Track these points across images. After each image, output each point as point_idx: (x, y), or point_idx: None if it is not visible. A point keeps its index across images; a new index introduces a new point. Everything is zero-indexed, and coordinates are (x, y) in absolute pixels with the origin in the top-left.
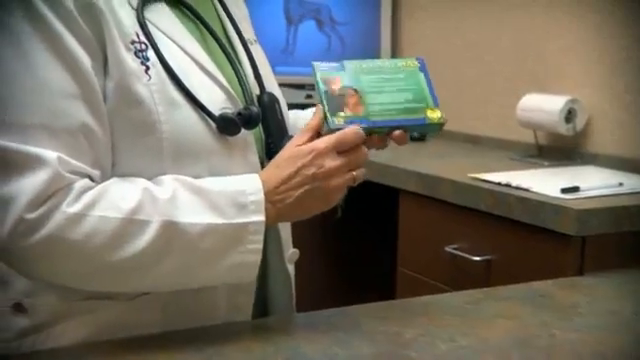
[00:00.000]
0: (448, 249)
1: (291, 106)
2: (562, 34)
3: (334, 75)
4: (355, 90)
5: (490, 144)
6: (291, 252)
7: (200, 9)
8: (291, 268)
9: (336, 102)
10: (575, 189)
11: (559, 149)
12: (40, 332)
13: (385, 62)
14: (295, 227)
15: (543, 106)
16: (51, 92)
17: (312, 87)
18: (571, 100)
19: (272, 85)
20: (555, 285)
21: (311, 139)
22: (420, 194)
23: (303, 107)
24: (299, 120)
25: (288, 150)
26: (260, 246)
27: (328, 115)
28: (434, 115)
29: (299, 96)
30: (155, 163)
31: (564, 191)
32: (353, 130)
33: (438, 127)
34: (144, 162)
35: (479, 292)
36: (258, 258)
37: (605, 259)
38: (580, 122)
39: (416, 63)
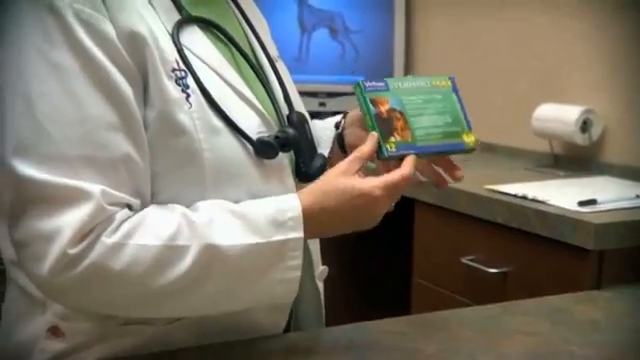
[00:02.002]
0: (464, 260)
1: None
2: (578, 44)
3: (381, 95)
4: (400, 112)
5: (505, 153)
6: (321, 269)
7: (228, 28)
8: (321, 285)
9: (386, 126)
10: (592, 202)
11: (574, 159)
12: (75, 355)
13: (420, 80)
14: None
15: (558, 116)
16: (94, 124)
17: (325, 95)
18: (587, 110)
19: (298, 103)
20: (573, 300)
21: (361, 167)
22: (436, 205)
23: (316, 115)
24: (321, 131)
25: (338, 179)
26: (300, 262)
27: (381, 143)
28: (469, 140)
29: (313, 104)
30: (196, 190)
31: (581, 204)
32: (406, 177)
33: (471, 151)
34: (185, 189)
35: (497, 307)
36: (298, 274)
37: (622, 273)
38: (596, 132)
39: (449, 82)
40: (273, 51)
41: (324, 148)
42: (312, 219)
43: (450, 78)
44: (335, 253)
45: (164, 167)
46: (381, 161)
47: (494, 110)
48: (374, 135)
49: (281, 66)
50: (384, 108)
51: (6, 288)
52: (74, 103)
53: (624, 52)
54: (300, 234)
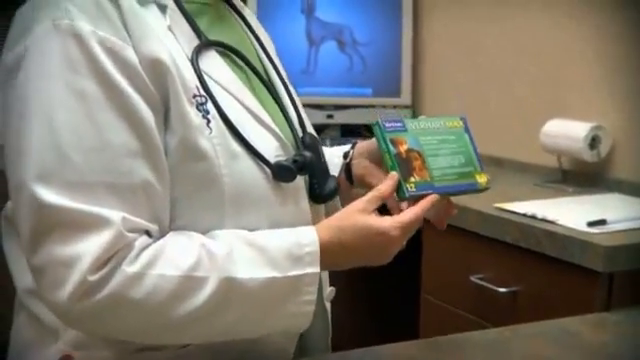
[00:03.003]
0: (473, 279)
1: (312, 126)
2: (589, 59)
3: (400, 136)
4: (418, 153)
5: (514, 167)
6: (329, 291)
7: (242, 49)
8: (328, 306)
9: (405, 166)
10: (602, 222)
11: (583, 174)
12: None
13: (435, 121)
14: None
15: (567, 132)
16: (115, 151)
17: (332, 107)
18: (596, 127)
19: (309, 124)
20: (583, 322)
21: (379, 206)
22: None
23: (324, 127)
24: (330, 157)
25: (356, 216)
26: (314, 297)
27: (402, 183)
28: (482, 180)
29: (320, 116)
30: (215, 214)
31: (590, 224)
32: (421, 216)
33: (483, 191)
34: (204, 213)
35: (507, 330)
36: (312, 308)
37: (632, 295)
38: (604, 148)
39: (461, 123)
40: (283, 72)
41: (333, 172)
42: (328, 254)
43: (462, 118)
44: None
45: (184, 192)
46: (400, 201)
47: (502, 124)
48: (394, 175)
49: (292, 89)
50: (403, 148)
51: (14, 316)
52: (96, 130)
53: (635, 69)
54: (316, 269)
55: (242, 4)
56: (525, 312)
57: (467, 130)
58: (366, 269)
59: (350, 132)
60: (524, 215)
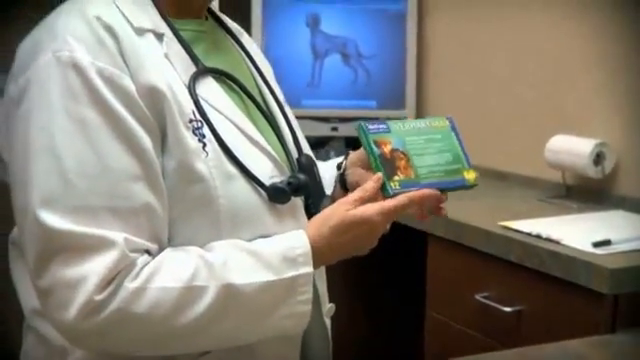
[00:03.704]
0: (478, 297)
1: (317, 138)
2: (596, 75)
3: (384, 137)
4: (403, 152)
5: (518, 181)
6: (328, 307)
7: (238, 75)
8: (328, 322)
9: (389, 165)
10: (606, 242)
11: (587, 190)
12: None
13: (420, 122)
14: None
15: (572, 148)
16: (116, 175)
17: (337, 120)
18: (600, 143)
19: (305, 146)
20: (589, 345)
21: (362, 200)
22: (449, 240)
23: (329, 139)
24: (324, 172)
25: (340, 210)
26: (310, 296)
27: (386, 181)
28: (470, 176)
29: (325, 129)
30: (212, 234)
31: (596, 245)
32: (405, 202)
33: (471, 187)
34: (201, 233)
35: (513, 353)
36: (309, 307)
37: (637, 317)
38: (609, 165)
39: (447, 122)
40: (280, 96)
41: (327, 186)
42: (320, 252)
43: (448, 118)
44: (345, 281)
45: (181, 213)
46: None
47: (507, 138)
48: (379, 176)
49: (289, 110)
50: (387, 149)
51: (23, 337)
52: (98, 156)
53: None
54: (310, 269)
55: (240, 30)
56: (530, 332)
57: (454, 129)
58: (368, 284)
59: (354, 144)
60: (529, 234)
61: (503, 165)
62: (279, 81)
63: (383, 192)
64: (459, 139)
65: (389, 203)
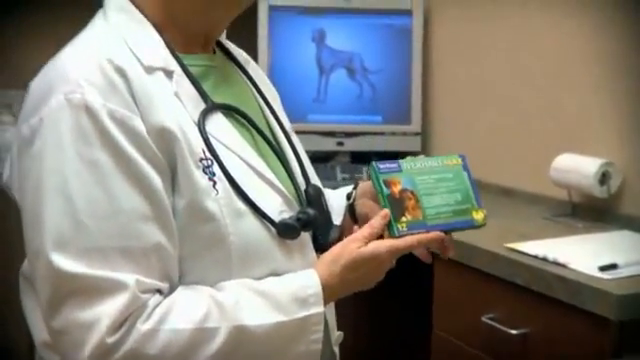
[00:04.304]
0: (484, 319)
1: (323, 153)
2: (603, 96)
3: (394, 177)
4: (412, 192)
5: (523, 198)
6: (337, 335)
7: (246, 108)
8: (336, 350)
9: (398, 206)
10: (613, 266)
11: (593, 209)
12: None
13: (432, 161)
14: None
15: (577, 168)
16: (128, 216)
17: (343, 134)
18: (606, 163)
19: (312, 175)
20: None
21: (371, 237)
22: (455, 261)
23: (334, 154)
24: (333, 201)
25: (352, 251)
26: (321, 335)
27: (393, 222)
28: (479, 217)
29: (330, 144)
30: (222, 271)
31: (602, 269)
32: (413, 244)
33: (480, 227)
34: (212, 270)
35: None
36: (320, 347)
37: None
38: (614, 184)
39: (459, 160)
40: (287, 124)
41: (337, 217)
42: (330, 290)
43: (461, 156)
44: (354, 303)
45: (192, 251)
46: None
47: (513, 154)
48: (386, 212)
49: (295, 139)
50: (396, 189)
51: None
52: (109, 197)
53: None
54: (321, 309)
55: (247, 58)
56: (535, 355)
57: (466, 168)
58: (374, 304)
59: (360, 159)
60: (535, 257)
61: (508, 181)
62: (285, 96)
63: (389, 232)
64: (470, 178)
65: (398, 242)
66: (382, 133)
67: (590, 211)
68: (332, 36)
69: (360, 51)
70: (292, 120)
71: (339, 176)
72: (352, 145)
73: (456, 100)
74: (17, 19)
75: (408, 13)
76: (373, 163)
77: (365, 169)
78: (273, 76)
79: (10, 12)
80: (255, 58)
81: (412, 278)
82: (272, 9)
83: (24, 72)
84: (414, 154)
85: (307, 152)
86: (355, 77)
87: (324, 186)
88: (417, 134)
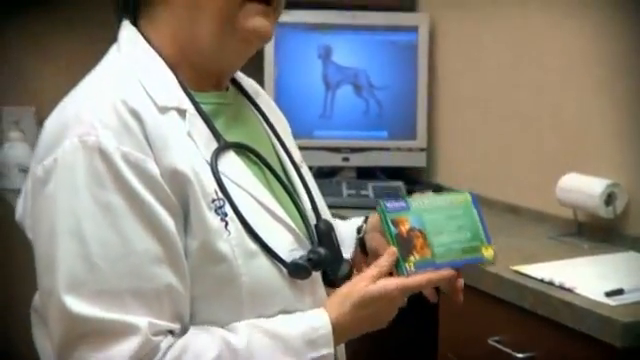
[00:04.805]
0: (491, 342)
1: (329, 168)
2: (609, 117)
3: (402, 216)
4: (420, 231)
5: (529, 216)
6: None
7: (258, 145)
8: None
9: (406, 245)
10: (619, 292)
11: (599, 228)
12: None
13: (441, 199)
14: None
15: (583, 188)
16: (140, 258)
17: (349, 150)
18: (612, 184)
19: (323, 208)
20: None
21: (379, 276)
22: None
23: (340, 169)
24: (344, 233)
25: (361, 289)
26: None
27: (401, 262)
28: (488, 253)
29: (336, 159)
30: (233, 310)
31: (608, 294)
32: (423, 283)
33: (489, 264)
34: (223, 310)
35: None
36: None
37: None
38: (620, 205)
39: (469, 197)
40: (297, 156)
41: (347, 250)
42: (341, 329)
43: (470, 193)
44: None
45: (203, 291)
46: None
47: (519, 171)
48: (392, 249)
49: (305, 171)
50: (404, 228)
51: None
52: (122, 239)
53: None
54: (330, 349)
55: (257, 89)
56: None
57: (475, 204)
58: (380, 329)
59: (366, 174)
60: (541, 281)
61: (514, 198)
62: (291, 112)
63: (398, 271)
64: (480, 215)
65: (407, 280)
66: (387, 149)
67: (596, 231)
68: (338, 52)
69: (366, 67)
70: (298, 136)
71: (345, 192)
72: (358, 160)
73: (461, 116)
74: (24, 37)
75: (413, 29)
76: (381, 202)
77: (370, 185)
78: (279, 92)
79: (18, 30)
80: (261, 74)
81: (418, 299)
82: (278, 25)
83: (31, 89)
84: (419, 169)
85: (312, 167)
86: (361, 93)
87: (329, 203)
88: (422, 150)
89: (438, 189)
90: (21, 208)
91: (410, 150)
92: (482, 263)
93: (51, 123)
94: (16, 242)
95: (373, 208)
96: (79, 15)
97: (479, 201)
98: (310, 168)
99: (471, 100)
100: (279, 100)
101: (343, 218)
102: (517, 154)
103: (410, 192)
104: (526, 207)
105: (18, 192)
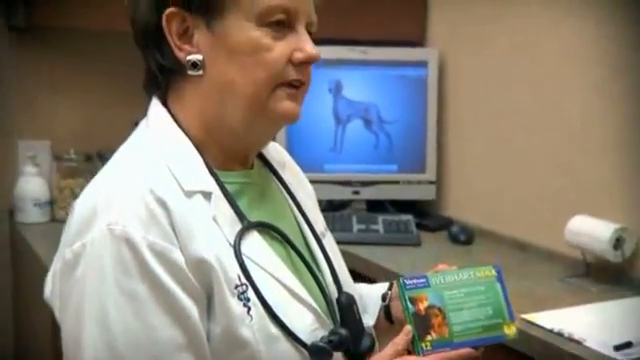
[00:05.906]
0: None
1: (339, 201)
2: (613, 158)
3: (421, 293)
4: (439, 309)
5: (538, 254)
6: None
7: (282, 224)
8: None
9: (423, 323)
10: (628, 345)
11: (607, 271)
12: None
13: (464, 273)
14: None
15: (591, 232)
16: (164, 346)
17: (359, 184)
18: (620, 229)
19: (346, 279)
20: None
21: (395, 355)
22: None
23: (350, 202)
24: (368, 299)
25: None
26: None
27: (417, 341)
28: (510, 331)
29: (347, 193)
30: None
31: (617, 348)
32: None
33: (510, 340)
34: None
35: None
36: None
37: None
38: (628, 249)
39: (493, 272)
40: (320, 226)
41: (370, 317)
42: None
43: (495, 267)
44: None
45: None
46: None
47: (528, 209)
48: (408, 328)
49: (329, 240)
50: (422, 305)
51: None
52: (146, 328)
53: None
54: None
55: (282, 160)
56: None
57: (500, 279)
58: None
59: (376, 207)
60: (550, 331)
61: (523, 235)
62: (302, 146)
63: (414, 350)
64: (504, 290)
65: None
66: (397, 182)
67: (604, 274)
68: (349, 87)
69: (376, 102)
70: (309, 170)
71: (355, 227)
72: (368, 194)
73: (471, 150)
74: (41, 73)
75: (423, 64)
76: (401, 279)
77: (380, 218)
78: (290, 127)
79: (34, 64)
80: None
81: None
82: None
83: (47, 123)
84: (429, 202)
85: (322, 201)
86: (371, 127)
87: (339, 239)
88: (432, 182)
89: (448, 222)
90: (49, 288)
91: (419, 183)
92: (502, 341)
93: (81, 205)
94: (29, 277)
95: (382, 244)
96: (94, 50)
97: (504, 277)
98: (320, 202)
99: (481, 134)
100: (290, 134)
101: (353, 256)
102: (527, 190)
103: (419, 225)
104: (535, 245)
105: (33, 226)
